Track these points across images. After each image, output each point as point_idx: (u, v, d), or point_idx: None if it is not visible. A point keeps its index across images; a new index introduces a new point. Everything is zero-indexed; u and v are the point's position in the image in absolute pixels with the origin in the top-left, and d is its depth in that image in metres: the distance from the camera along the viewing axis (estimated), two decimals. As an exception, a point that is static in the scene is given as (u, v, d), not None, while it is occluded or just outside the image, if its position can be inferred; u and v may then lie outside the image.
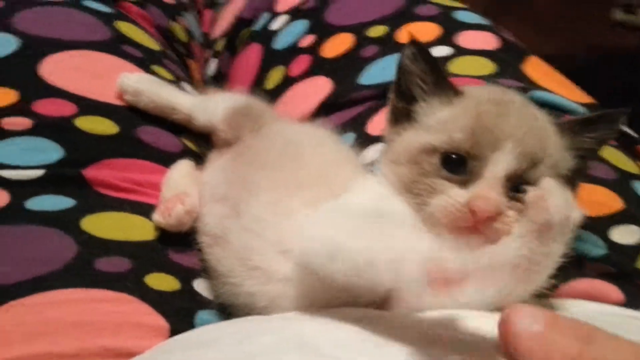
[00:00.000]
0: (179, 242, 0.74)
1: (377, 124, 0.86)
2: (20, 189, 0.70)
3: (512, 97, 0.63)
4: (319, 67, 0.99)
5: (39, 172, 0.72)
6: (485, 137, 0.57)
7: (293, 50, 1.04)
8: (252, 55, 1.11)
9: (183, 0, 1.33)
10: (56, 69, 0.85)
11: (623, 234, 0.71)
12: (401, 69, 0.64)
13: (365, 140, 0.84)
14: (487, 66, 0.90)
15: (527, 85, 0.86)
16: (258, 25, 1.15)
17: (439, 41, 0.96)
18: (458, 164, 0.58)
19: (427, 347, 0.45)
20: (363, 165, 0.77)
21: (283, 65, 1.04)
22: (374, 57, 0.96)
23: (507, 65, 0.91)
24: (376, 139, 0.83)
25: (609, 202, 0.73)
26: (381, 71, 0.93)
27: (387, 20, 1.02)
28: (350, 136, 0.86)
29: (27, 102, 0.79)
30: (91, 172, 0.75)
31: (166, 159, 0.83)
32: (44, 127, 0.77)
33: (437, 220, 0.57)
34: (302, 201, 0.67)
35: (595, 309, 0.64)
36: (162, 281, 0.69)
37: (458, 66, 0.90)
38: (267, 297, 0.63)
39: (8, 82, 0.81)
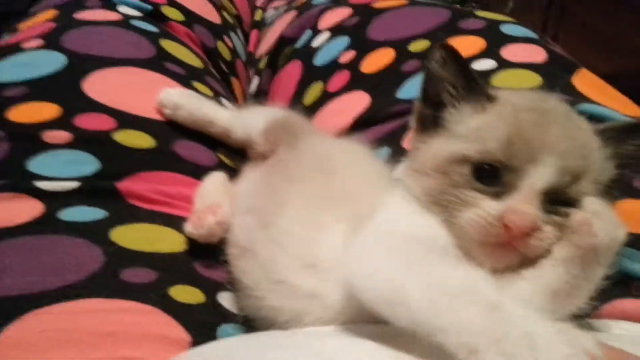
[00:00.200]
0: (206, 255, 0.74)
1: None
2: (55, 201, 0.72)
3: (552, 105, 0.58)
4: (358, 82, 0.98)
5: (74, 184, 0.74)
6: (523, 148, 0.53)
7: (333, 66, 1.04)
8: (292, 71, 1.11)
9: (230, 20, 1.35)
10: (99, 85, 0.87)
11: None
12: (429, 74, 0.60)
13: (401, 155, 0.81)
14: (532, 79, 0.86)
15: (575, 99, 0.82)
16: (300, 43, 1.16)
17: (483, 54, 0.93)
18: (491, 175, 0.54)
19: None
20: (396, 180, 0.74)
21: (322, 81, 1.03)
22: (414, 71, 0.94)
23: (554, 78, 0.86)
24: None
25: None
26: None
27: (430, 34, 1.00)
28: (386, 151, 0.84)
29: (69, 117, 0.81)
30: (125, 185, 0.76)
31: (201, 173, 0.84)
32: (83, 141, 0.79)
33: (467, 235, 0.54)
34: (332, 216, 0.65)
35: (638, 330, 0.59)
36: (186, 293, 0.68)
37: (501, 79, 0.87)
38: (290, 312, 0.61)
39: (53, 97, 0.83)
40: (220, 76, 1.15)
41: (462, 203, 0.54)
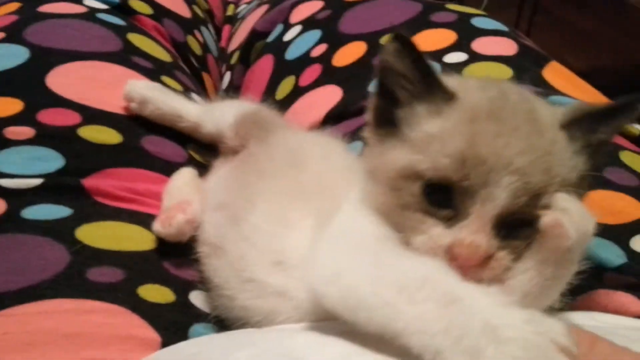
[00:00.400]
0: (176, 253, 0.72)
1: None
2: (18, 198, 0.69)
3: (513, 106, 0.51)
4: (330, 76, 0.97)
5: (38, 181, 0.71)
6: (477, 167, 0.47)
7: (305, 60, 1.03)
8: (264, 66, 1.10)
9: (201, 15, 1.33)
10: (63, 79, 0.85)
11: None
12: (383, 67, 0.53)
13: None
14: (503, 71, 0.86)
15: (545, 91, 0.82)
16: (271, 37, 1.14)
17: (454, 47, 0.93)
18: (443, 196, 0.49)
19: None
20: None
21: (294, 75, 1.02)
22: None
23: (524, 71, 0.87)
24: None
25: (629, 209, 0.67)
26: None
27: (402, 27, 0.99)
28: (359, 144, 0.83)
29: (32, 112, 0.79)
30: (91, 182, 0.74)
31: (170, 169, 0.82)
32: (47, 137, 0.77)
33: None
34: (302, 211, 0.64)
35: (612, 321, 0.59)
36: (156, 293, 0.66)
37: (472, 72, 0.87)
38: (261, 312, 0.60)
39: (15, 92, 0.81)
40: (191, 71, 1.13)
41: (413, 228, 0.50)
